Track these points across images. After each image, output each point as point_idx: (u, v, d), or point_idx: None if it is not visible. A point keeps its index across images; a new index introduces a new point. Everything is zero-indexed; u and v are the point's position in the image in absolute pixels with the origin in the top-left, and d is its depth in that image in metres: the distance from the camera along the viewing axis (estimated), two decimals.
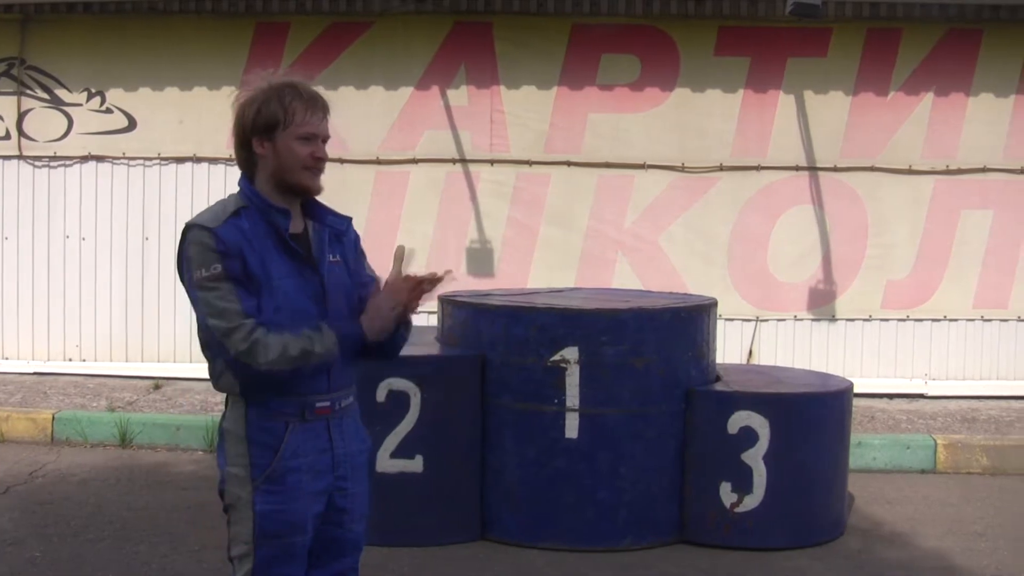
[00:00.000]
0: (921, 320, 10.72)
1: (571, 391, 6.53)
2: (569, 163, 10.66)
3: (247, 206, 3.59)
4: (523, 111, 10.65)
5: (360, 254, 3.91)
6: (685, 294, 8.65)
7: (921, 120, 10.65)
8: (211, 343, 3.53)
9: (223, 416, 3.66)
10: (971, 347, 10.74)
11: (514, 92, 10.64)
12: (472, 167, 10.64)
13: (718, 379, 7.13)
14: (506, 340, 6.74)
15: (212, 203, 3.67)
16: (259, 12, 10.71)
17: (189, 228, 3.55)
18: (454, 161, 10.63)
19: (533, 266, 10.56)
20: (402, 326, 3.79)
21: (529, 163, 10.64)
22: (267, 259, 3.53)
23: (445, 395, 6.71)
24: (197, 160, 10.76)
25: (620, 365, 6.58)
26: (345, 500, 3.75)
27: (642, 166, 10.62)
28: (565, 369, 6.54)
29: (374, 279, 3.85)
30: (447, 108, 10.58)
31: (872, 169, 10.63)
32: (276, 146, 3.59)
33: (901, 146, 10.64)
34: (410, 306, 3.74)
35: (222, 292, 3.46)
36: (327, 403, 3.65)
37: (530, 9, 10.66)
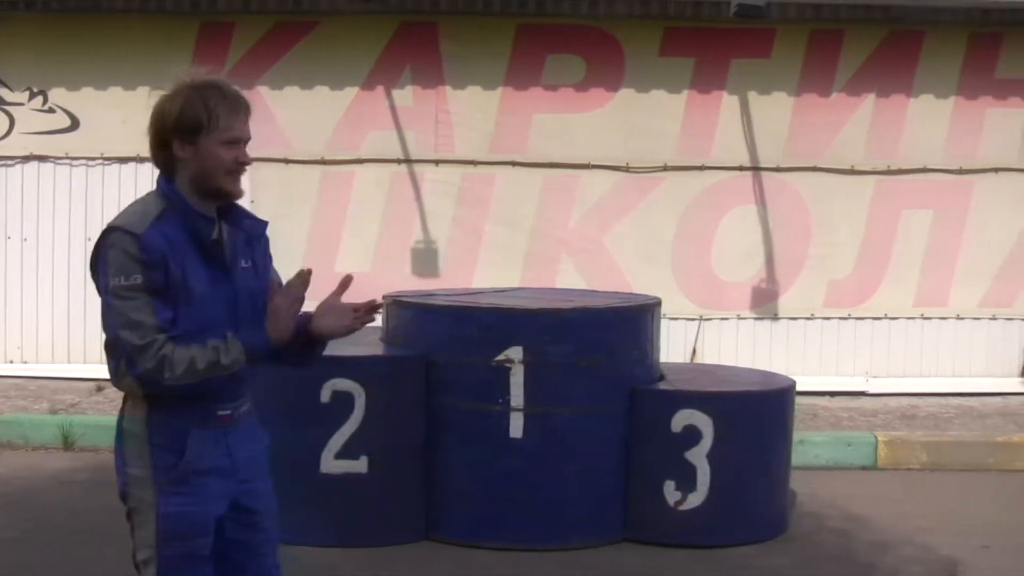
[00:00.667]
0: (863, 319, 10.82)
1: (516, 391, 6.53)
2: (514, 163, 10.67)
3: (168, 208, 3.45)
4: (469, 111, 10.66)
5: (269, 258, 3.78)
6: (630, 294, 8.68)
7: (863, 121, 10.74)
8: (109, 350, 3.44)
9: (121, 415, 3.55)
10: (911, 345, 10.85)
11: (460, 92, 10.64)
12: (417, 167, 10.63)
13: (662, 378, 7.16)
14: (451, 340, 6.74)
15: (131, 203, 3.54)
16: (204, 11, 10.63)
17: (112, 230, 3.39)
18: (399, 161, 10.62)
19: (478, 266, 10.56)
20: (319, 345, 3.69)
21: (474, 163, 10.64)
22: (187, 267, 3.42)
23: (390, 395, 6.70)
24: (141, 160, 10.63)
25: (565, 365, 6.60)
26: (254, 501, 3.67)
27: (587, 166, 10.65)
28: (510, 369, 6.54)
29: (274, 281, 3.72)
30: (392, 108, 10.56)
31: (815, 169, 10.71)
32: (199, 149, 3.46)
33: (844, 147, 10.73)
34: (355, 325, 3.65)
35: (138, 303, 3.33)
36: (228, 411, 3.59)
37: (476, 9, 10.65)
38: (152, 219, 3.40)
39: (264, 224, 3.75)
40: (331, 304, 3.63)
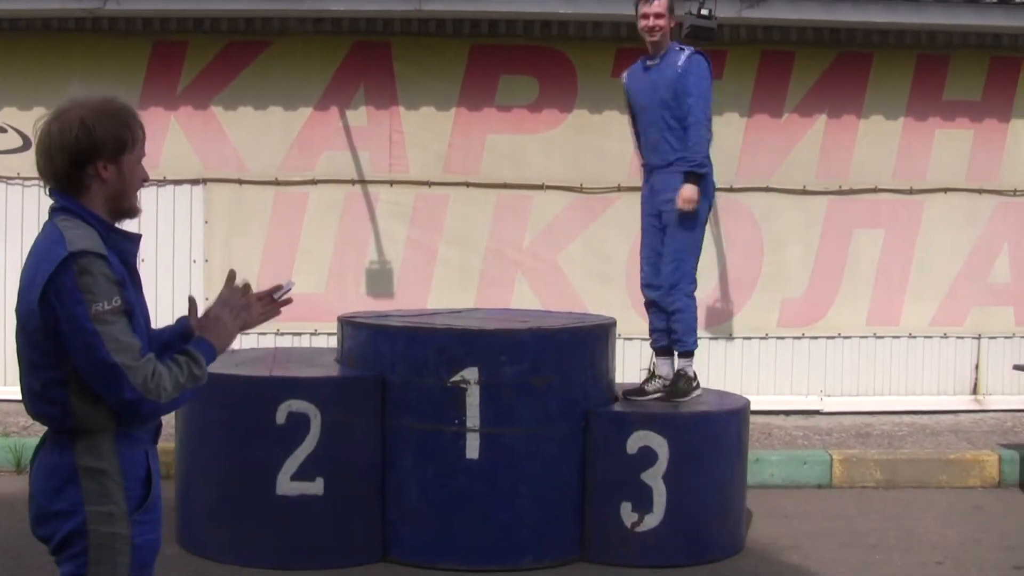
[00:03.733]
0: (816, 338, 10.86)
1: (471, 411, 6.52)
2: (468, 184, 10.65)
3: (97, 233, 3.35)
4: (422, 132, 10.64)
5: None
6: (584, 314, 8.68)
7: (814, 142, 10.81)
8: (103, 380, 3.27)
9: (71, 455, 3.39)
10: (864, 364, 10.90)
11: (413, 113, 10.62)
12: (371, 188, 10.59)
13: (616, 399, 7.16)
14: (405, 361, 6.71)
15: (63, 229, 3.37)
16: (156, 30, 10.57)
17: (82, 255, 3.25)
18: (353, 182, 10.57)
19: (432, 287, 10.53)
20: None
21: (428, 184, 10.61)
22: (129, 290, 3.35)
23: (345, 416, 6.66)
24: None
25: (519, 385, 6.58)
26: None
27: (540, 187, 10.65)
28: (465, 389, 6.52)
29: None
30: (346, 129, 10.52)
31: (767, 189, 10.76)
32: (121, 169, 3.40)
33: (795, 167, 10.79)
34: (258, 318, 3.70)
35: (123, 326, 3.26)
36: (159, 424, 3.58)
37: (429, 30, 10.64)
38: (101, 243, 3.31)
39: (139, 237, 3.59)
40: (224, 298, 3.64)
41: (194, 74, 10.55)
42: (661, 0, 7.43)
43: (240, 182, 10.33)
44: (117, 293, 3.26)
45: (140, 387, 3.25)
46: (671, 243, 7.46)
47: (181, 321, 3.70)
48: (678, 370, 7.46)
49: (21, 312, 3.43)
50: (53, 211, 3.43)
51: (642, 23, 7.46)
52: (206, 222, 10.39)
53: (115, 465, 3.36)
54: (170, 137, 10.52)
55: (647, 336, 7.79)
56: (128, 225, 3.53)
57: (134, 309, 3.34)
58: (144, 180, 3.50)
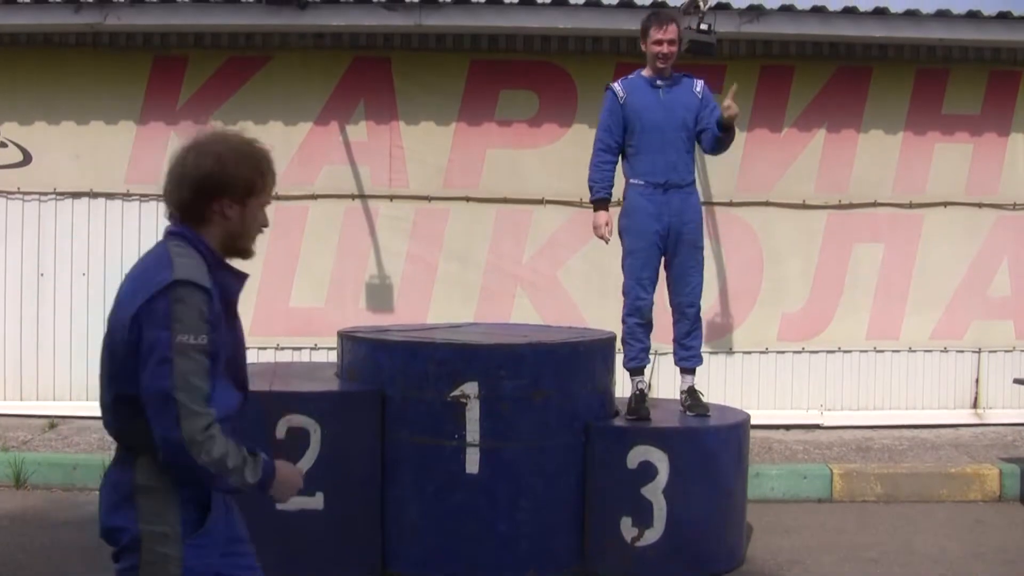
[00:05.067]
0: (816, 352, 10.87)
1: (471, 426, 6.51)
2: (468, 198, 10.66)
3: (206, 263, 3.42)
4: (422, 146, 10.65)
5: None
6: (584, 328, 8.67)
7: (814, 156, 10.83)
8: (157, 409, 3.29)
9: (131, 471, 3.44)
10: (865, 378, 10.91)
11: (413, 127, 10.63)
12: (371, 202, 10.60)
13: (616, 414, 7.16)
14: (405, 375, 6.71)
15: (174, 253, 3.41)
16: (157, 46, 10.59)
17: (182, 284, 3.30)
18: (353, 196, 10.58)
19: (432, 301, 10.54)
20: None
21: (428, 198, 10.63)
22: (221, 324, 3.43)
23: (345, 431, 6.66)
24: (94, 195, 10.59)
25: (519, 399, 6.57)
26: (244, 544, 3.70)
27: (540, 201, 10.66)
28: (465, 404, 6.52)
29: None
30: (346, 143, 10.54)
31: (766, 204, 10.77)
32: (245, 211, 3.50)
33: (795, 181, 10.80)
34: None
35: (198, 367, 3.28)
36: None
37: (429, 45, 10.67)
38: (205, 272, 3.37)
39: (246, 276, 3.64)
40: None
41: (194, 89, 10.57)
42: (674, 26, 7.53)
43: None
44: (205, 332, 3.29)
45: (187, 433, 3.26)
46: (690, 261, 7.59)
47: None
48: (692, 386, 7.51)
49: (112, 323, 3.46)
50: (169, 234, 3.50)
51: (655, 48, 7.50)
52: None
53: (172, 487, 3.39)
54: (170, 152, 10.48)
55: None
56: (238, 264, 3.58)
57: (218, 352, 3.36)
58: (264, 226, 3.58)
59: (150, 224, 10.52)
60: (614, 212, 7.78)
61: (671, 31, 7.51)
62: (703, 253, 7.72)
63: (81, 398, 10.42)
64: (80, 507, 8.25)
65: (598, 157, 7.70)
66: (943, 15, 10.35)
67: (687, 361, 7.62)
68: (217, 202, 3.45)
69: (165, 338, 3.26)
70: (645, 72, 7.68)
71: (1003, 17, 10.41)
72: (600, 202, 7.68)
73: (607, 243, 7.69)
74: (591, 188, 7.74)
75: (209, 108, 10.54)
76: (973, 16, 10.37)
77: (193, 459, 3.28)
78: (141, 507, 3.40)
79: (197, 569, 3.42)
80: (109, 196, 10.59)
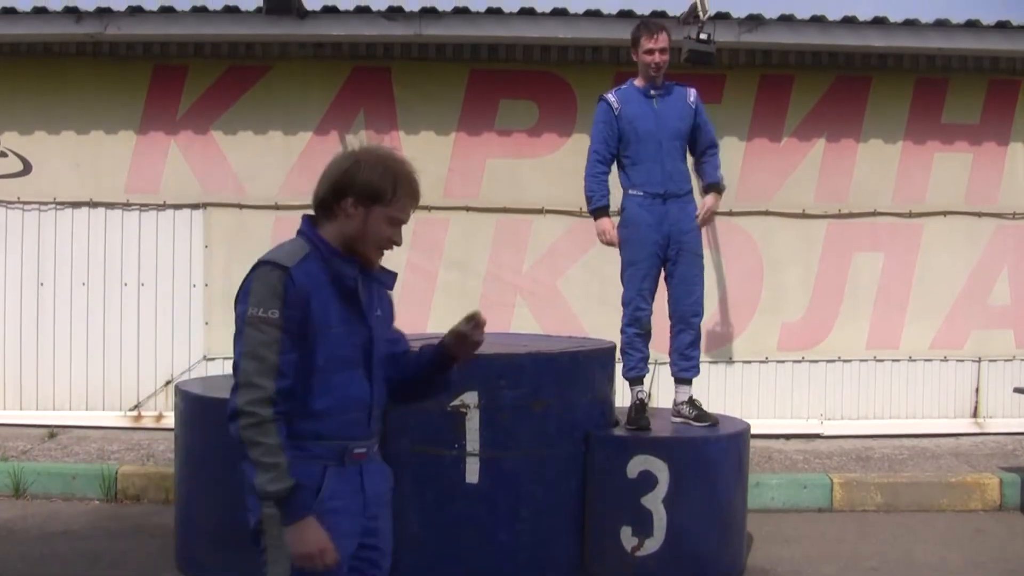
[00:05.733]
0: (816, 361, 10.86)
1: (471, 436, 6.50)
2: (467, 208, 10.67)
3: (311, 251, 3.67)
4: (421, 156, 10.53)
5: (393, 312, 4.02)
6: (584, 338, 8.66)
7: (813, 165, 10.83)
8: (233, 375, 3.60)
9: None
10: (865, 387, 10.90)
11: (413, 137, 10.64)
12: None
13: (616, 423, 7.15)
14: None
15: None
16: (157, 55, 10.61)
17: (262, 264, 3.62)
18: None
19: (432, 311, 10.52)
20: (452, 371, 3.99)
21: (428, 208, 10.60)
22: (329, 307, 3.63)
23: None
24: (94, 205, 10.59)
25: (519, 409, 6.56)
26: (376, 539, 3.85)
27: (540, 211, 10.66)
28: (465, 414, 6.51)
29: (401, 335, 4.02)
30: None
31: (766, 213, 10.77)
32: (369, 215, 3.69)
33: (794, 190, 10.81)
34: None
35: (267, 338, 3.52)
36: (363, 449, 3.76)
37: (428, 55, 10.68)
38: (300, 258, 3.62)
39: (393, 276, 3.93)
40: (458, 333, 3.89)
41: (194, 98, 10.58)
42: (665, 35, 7.52)
43: (240, 206, 10.34)
44: (277, 306, 3.53)
45: (239, 401, 3.52)
46: (690, 271, 7.59)
47: (438, 349, 3.94)
48: (692, 396, 7.50)
49: None
50: (298, 230, 3.79)
51: (647, 58, 7.49)
52: (206, 246, 10.40)
53: None
54: (170, 161, 10.55)
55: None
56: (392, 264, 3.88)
57: (300, 330, 3.56)
58: (393, 242, 3.78)
59: (150, 233, 10.54)
60: (614, 218, 7.76)
61: (662, 40, 7.50)
62: (703, 261, 7.72)
63: (81, 407, 10.43)
64: (80, 517, 8.26)
65: (594, 168, 7.69)
66: (942, 24, 10.36)
67: (687, 372, 7.61)
68: (344, 201, 3.69)
69: (242, 311, 3.58)
70: (637, 82, 7.66)
71: (1002, 26, 10.41)
72: (600, 211, 7.68)
73: (617, 246, 7.65)
74: (589, 199, 7.73)
75: (209, 118, 10.55)
76: (972, 25, 10.38)
77: (237, 429, 3.52)
78: None
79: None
80: (109, 206, 10.59)
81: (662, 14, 9.97)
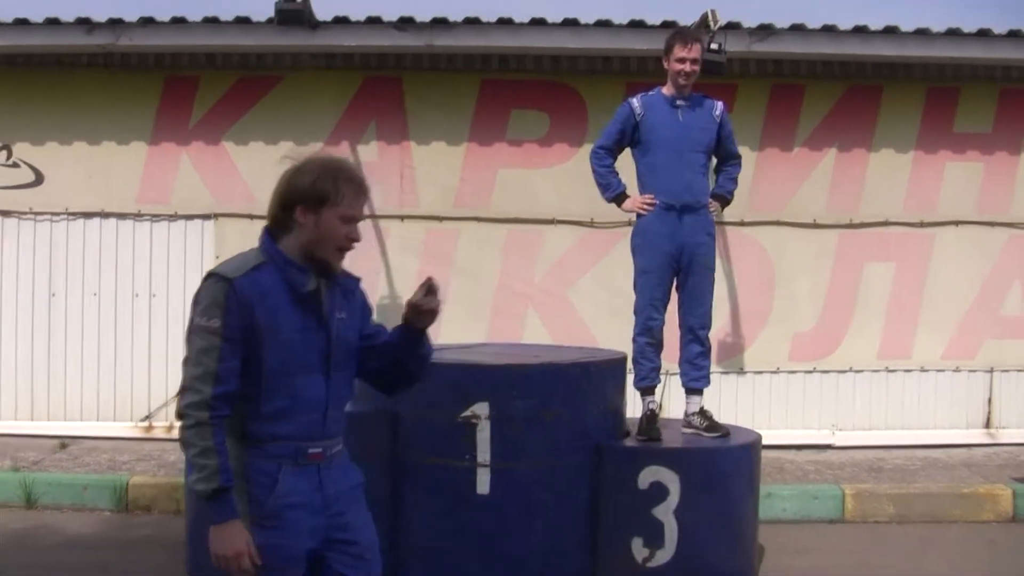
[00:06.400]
0: (827, 372, 10.83)
1: (482, 446, 6.48)
2: (479, 219, 10.67)
3: (267, 262, 3.82)
4: (433, 166, 10.66)
5: (367, 312, 4.17)
6: (595, 349, 8.66)
7: (824, 175, 10.81)
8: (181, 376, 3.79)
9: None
10: (876, 398, 10.87)
11: (424, 148, 10.65)
12: (382, 222, 10.60)
13: (627, 434, 7.14)
14: (416, 395, 6.63)
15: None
16: (168, 66, 10.63)
17: (210, 275, 3.79)
18: (364, 217, 10.56)
19: (443, 321, 10.36)
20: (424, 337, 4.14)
21: (439, 219, 10.63)
22: (279, 313, 3.77)
23: (357, 450, 6.56)
24: (105, 215, 10.61)
25: (530, 420, 6.55)
26: (348, 533, 3.98)
27: (551, 221, 10.66)
28: (476, 424, 6.50)
29: (381, 327, 4.20)
30: (357, 163, 10.54)
31: (778, 223, 10.76)
32: (319, 219, 3.82)
33: (806, 200, 10.79)
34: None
35: (208, 346, 3.69)
36: (319, 449, 3.90)
37: (439, 65, 10.69)
38: (248, 268, 3.78)
39: (357, 280, 4.11)
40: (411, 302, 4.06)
41: (206, 109, 10.60)
42: (698, 45, 7.53)
43: (251, 217, 10.34)
44: (218, 315, 3.70)
45: (182, 404, 3.72)
46: (702, 283, 7.60)
47: (402, 325, 4.13)
48: (703, 407, 7.49)
49: None
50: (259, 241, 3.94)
51: (678, 66, 7.48)
52: (217, 256, 10.40)
53: (240, 469, 3.76)
54: (181, 172, 10.57)
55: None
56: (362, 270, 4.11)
57: (243, 337, 3.72)
58: (349, 238, 3.90)
59: (161, 244, 10.56)
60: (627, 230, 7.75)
61: (695, 50, 7.50)
62: (715, 274, 7.70)
63: (92, 418, 10.45)
64: (90, 528, 8.26)
65: (602, 161, 7.75)
66: (953, 33, 10.34)
67: (697, 382, 7.59)
68: (295, 211, 3.83)
69: (189, 320, 3.78)
70: (665, 90, 7.66)
71: (1013, 35, 10.39)
72: (621, 196, 7.68)
73: (653, 205, 7.56)
74: (606, 187, 7.76)
75: (221, 128, 10.56)
76: (983, 34, 10.36)
77: (182, 428, 3.71)
78: (236, 489, 3.75)
79: (266, 548, 3.75)
80: (121, 216, 10.62)
81: (672, 24, 9.95)
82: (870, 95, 10.87)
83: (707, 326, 7.61)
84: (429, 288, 4.05)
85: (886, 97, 10.87)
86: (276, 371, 3.76)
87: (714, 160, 7.85)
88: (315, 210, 3.82)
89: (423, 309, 4.04)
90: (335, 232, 3.84)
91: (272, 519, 3.77)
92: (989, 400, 10.99)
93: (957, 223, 10.92)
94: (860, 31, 10.29)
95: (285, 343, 3.77)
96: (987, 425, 10.98)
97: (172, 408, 10.28)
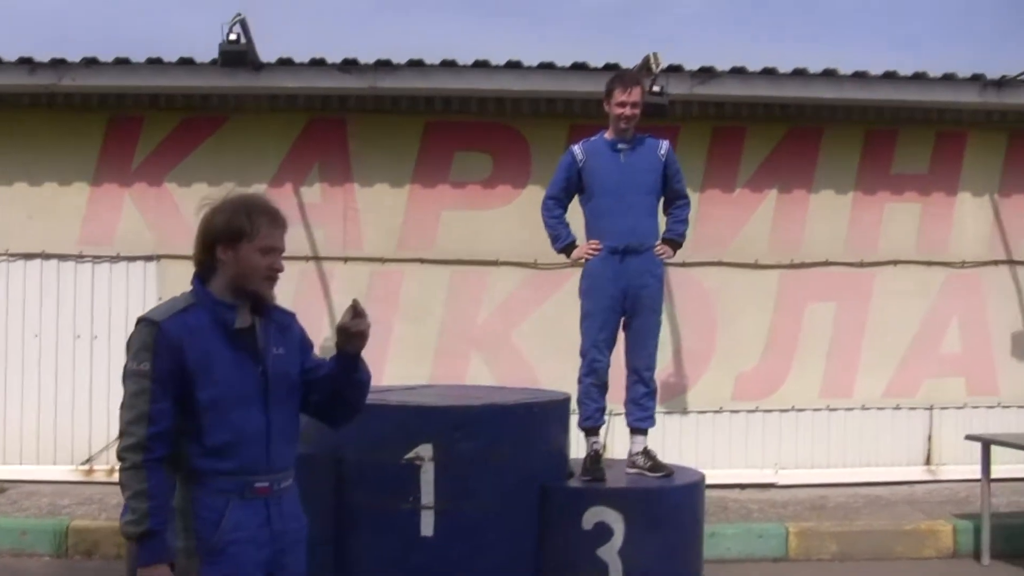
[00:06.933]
0: (770, 411, 10.90)
1: (426, 488, 6.45)
2: (422, 260, 10.67)
3: (195, 303, 3.90)
4: (376, 208, 10.66)
5: (306, 346, 4.22)
6: (538, 390, 8.65)
7: (766, 216, 10.91)
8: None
9: (175, 492, 3.84)
10: (819, 436, 10.94)
11: (368, 189, 10.65)
12: (326, 264, 10.58)
13: (572, 475, 7.13)
14: (360, 437, 6.64)
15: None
16: (112, 106, 10.58)
17: (139, 320, 3.86)
18: (307, 259, 10.56)
19: (388, 363, 10.48)
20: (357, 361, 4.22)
21: (382, 260, 10.62)
22: (211, 351, 3.83)
23: (300, 493, 6.58)
24: (46, 256, 10.52)
25: (474, 462, 6.52)
26: (285, 573, 3.99)
27: (495, 263, 10.68)
28: (420, 466, 6.47)
29: (323, 360, 4.22)
30: (301, 205, 10.53)
31: (720, 264, 10.83)
32: (239, 254, 3.90)
33: (747, 241, 10.88)
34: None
35: (139, 388, 3.76)
36: (266, 484, 3.91)
37: (383, 107, 10.70)
38: (177, 310, 3.87)
39: (291, 315, 4.19)
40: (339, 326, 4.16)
41: (149, 150, 10.56)
42: (639, 89, 7.53)
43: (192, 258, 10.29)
44: (148, 358, 3.77)
45: (119, 448, 3.77)
46: (646, 325, 7.54)
47: (336, 353, 4.20)
48: (647, 447, 7.48)
49: None
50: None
51: (619, 110, 7.44)
52: (159, 298, 10.32)
53: (188, 506, 3.81)
54: (124, 213, 10.51)
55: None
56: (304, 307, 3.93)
57: (174, 377, 3.76)
58: (272, 268, 3.98)
59: (103, 285, 10.49)
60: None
61: (635, 93, 7.49)
62: (661, 317, 7.69)
63: (32, 461, 10.32)
64: (30, 573, 8.14)
65: (552, 212, 7.73)
66: (891, 76, 10.48)
67: (642, 422, 7.59)
68: (215, 250, 3.91)
69: (125, 365, 3.85)
70: (607, 134, 7.62)
71: (948, 79, 10.55)
72: (569, 247, 7.68)
73: (599, 250, 7.55)
74: (555, 238, 7.74)
75: (164, 169, 10.52)
76: (919, 77, 10.51)
77: (119, 472, 3.78)
78: (174, 526, 3.81)
79: None
80: (62, 257, 10.53)
81: (615, 67, 10.04)
82: (810, 137, 10.99)
83: (652, 367, 7.61)
84: (355, 310, 4.13)
85: (826, 139, 11.01)
86: (213, 407, 3.80)
87: (663, 200, 7.84)
88: (233, 247, 3.89)
89: (352, 331, 4.12)
90: (256, 264, 3.91)
91: (218, 554, 3.78)
92: (929, 437, 11.08)
93: (896, 263, 11.05)
94: (800, 74, 10.42)
95: (219, 380, 3.81)
96: (927, 462, 11.08)
97: (114, 450, 10.24)
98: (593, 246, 7.51)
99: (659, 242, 7.60)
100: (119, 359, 10.47)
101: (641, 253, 7.46)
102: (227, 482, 3.83)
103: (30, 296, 10.53)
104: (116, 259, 10.52)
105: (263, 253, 3.93)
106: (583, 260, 7.62)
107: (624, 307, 7.48)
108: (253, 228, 3.90)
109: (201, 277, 3.97)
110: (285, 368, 4.03)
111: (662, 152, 7.62)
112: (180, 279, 10.32)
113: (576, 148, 7.66)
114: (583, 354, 7.60)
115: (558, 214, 7.73)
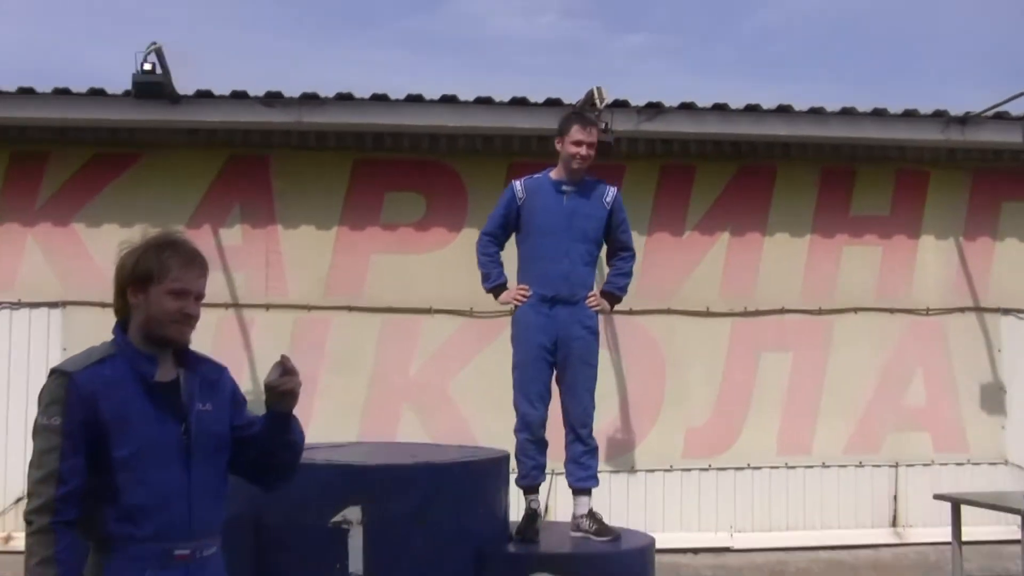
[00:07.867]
0: (724, 469, 10.89)
1: (354, 555, 6.39)
2: (351, 307, 10.62)
3: (114, 353, 3.83)
4: (302, 252, 10.61)
5: (238, 402, 4.14)
6: (476, 447, 8.60)
7: (717, 260, 10.96)
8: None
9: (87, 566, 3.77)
10: (776, 496, 10.94)
11: (292, 232, 10.60)
12: (246, 312, 10.50)
13: (510, 538, 7.08)
14: (283, 500, 6.56)
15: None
16: (14, 139, 10.47)
17: (51, 372, 3.79)
18: (227, 306, 10.48)
19: (313, 417, 10.34)
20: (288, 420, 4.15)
21: (308, 308, 10.56)
22: (128, 405, 3.74)
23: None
24: None
25: (406, 525, 6.48)
26: None
27: (428, 310, 10.64)
28: (347, 531, 6.41)
29: (257, 418, 4.15)
30: (220, 248, 10.44)
31: (668, 312, 10.85)
32: (148, 298, 3.85)
33: (697, 287, 10.92)
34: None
35: (50, 445, 3.67)
36: (187, 551, 3.81)
37: (309, 143, 10.67)
38: (92, 361, 3.79)
39: (221, 369, 4.13)
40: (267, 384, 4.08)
41: (55, 188, 10.47)
42: (595, 128, 7.52)
43: (103, 305, 10.12)
44: (58, 412, 3.69)
45: (27, 508, 3.70)
46: (579, 379, 7.43)
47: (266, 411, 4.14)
48: (592, 509, 7.42)
49: None
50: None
51: (574, 149, 7.37)
52: (64, 349, 10.19)
53: (94, 572, 3.72)
54: (27, 256, 10.39)
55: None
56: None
57: (87, 432, 3.68)
58: (183, 313, 3.91)
59: (3, 334, 10.36)
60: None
61: (594, 133, 7.44)
62: (596, 370, 7.59)
63: None
64: None
65: (486, 248, 7.66)
66: (847, 113, 10.60)
67: (584, 482, 7.51)
68: (127, 294, 3.89)
69: (36, 417, 3.76)
70: (554, 173, 7.56)
71: (909, 115, 10.68)
72: (499, 288, 7.64)
73: (528, 296, 7.50)
74: (486, 277, 7.68)
75: (72, 208, 10.42)
76: (878, 114, 10.64)
77: (25, 535, 3.69)
78: None
79: None
80: None
81: (557, 102, 10.09)
82: (764, 176, 11.07)
83: (588, 424, 7.52)
84: (284, 367, 4.07)
85: (780, 178, 11.09)
86: (129, 466, 3.70)
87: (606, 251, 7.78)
88: (143, 289, 3.86)
89: (280, 390, 4.06)
90: (166, 308, 3.86)
91: None
92: (895, 496, 11.12)
93: (856, 310, 11.13)
94: (752, 110, 10.51)
95: (136, 436, 3.72)
96: (894, 523, 11.10)
97: (10, 516, 10.06)
98: (522, 291, 7.46)
99: (592, 293, 7.52)
100: (18, 414, 10.37)
101: (573, 304, 7.38)
102: (144, 549, 3.71)
103: None
104: (17, 305, 10.38)
105: (174, 296, 3.87)
106: (512, 305, 7.58)
107: (556, 358, 7.42)
108: (162, 269, 3.85)
109: (123, 325, 3.92)
110: (211, 425, 3.94)
111: (608, 199, 7.55)
112: (88, 328, 10.29)
113: (518, 184, 7.61)
114: (515, 407, 7.54)
115: (492, 252, 7.68)
